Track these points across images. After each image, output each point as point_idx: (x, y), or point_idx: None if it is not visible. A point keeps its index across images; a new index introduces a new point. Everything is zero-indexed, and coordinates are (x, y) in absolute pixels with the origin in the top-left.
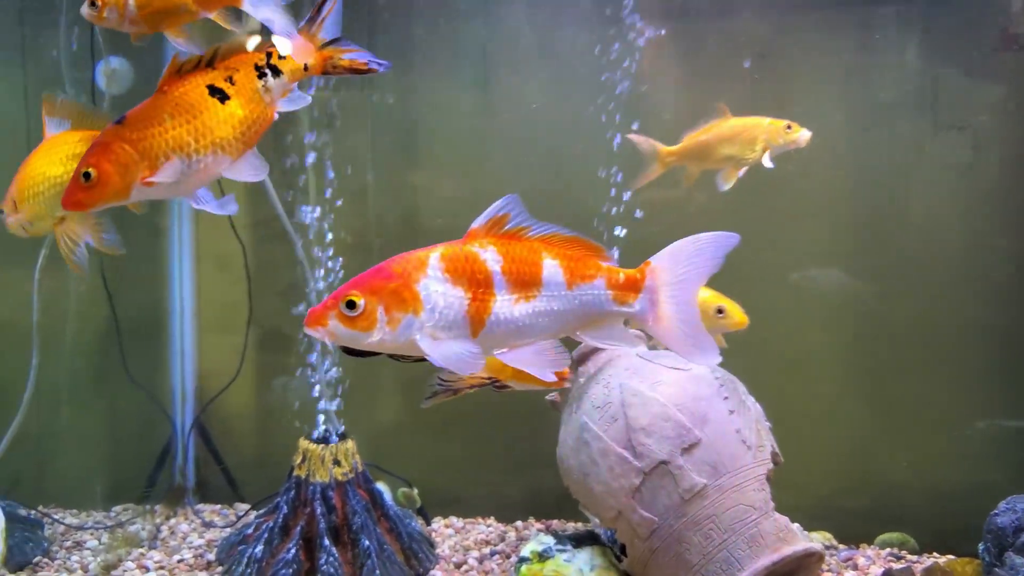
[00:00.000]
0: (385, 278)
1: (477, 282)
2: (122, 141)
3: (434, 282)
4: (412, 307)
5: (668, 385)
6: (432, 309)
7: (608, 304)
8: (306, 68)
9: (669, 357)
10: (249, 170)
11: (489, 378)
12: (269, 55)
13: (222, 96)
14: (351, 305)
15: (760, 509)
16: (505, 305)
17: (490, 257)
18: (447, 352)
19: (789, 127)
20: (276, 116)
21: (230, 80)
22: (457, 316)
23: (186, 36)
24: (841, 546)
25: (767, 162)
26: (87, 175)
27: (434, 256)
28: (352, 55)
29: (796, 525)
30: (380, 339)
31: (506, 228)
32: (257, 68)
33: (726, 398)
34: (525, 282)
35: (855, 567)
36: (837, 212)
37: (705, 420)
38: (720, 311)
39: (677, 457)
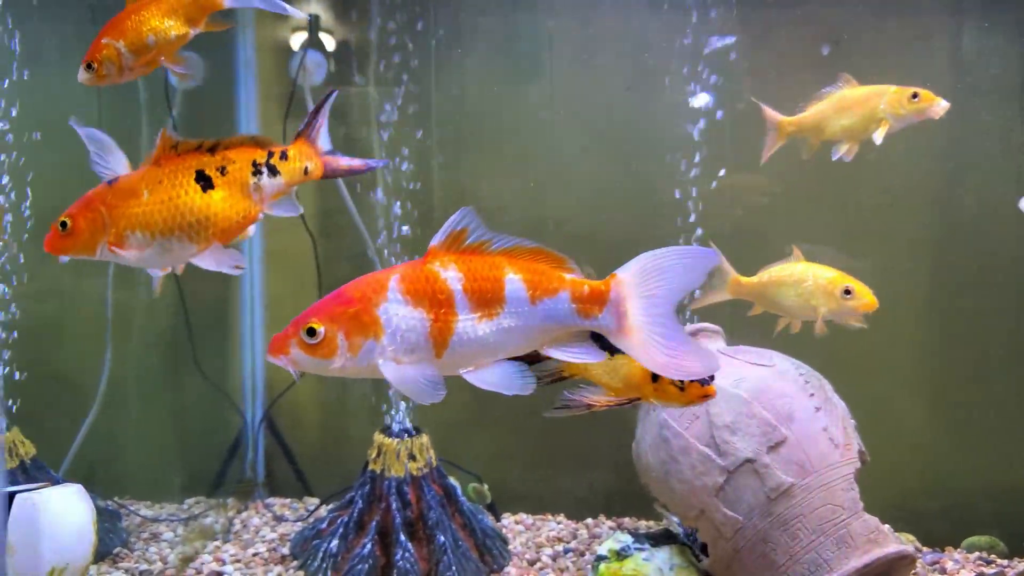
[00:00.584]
0: (344, 303)
1: (439, 302)
2: (101, 203)
3: (394, 305)
4: (373, 332)
5: (751, 382)
6: (393, 333)
7: (573, 318)
8: (306, 172)
9: (751, 353)
10: (215, 261)
11: (628, 400)
12: (271, 154)
13: (207, 184)
14: (311, 333)
15: (849, 509)
16: (468, 324)
17: (451, 276)
18: (407, 379)
19: (915, 96)
20: (261, 216)
21: (221, 170)
22: (419, 339)
23: (183, 61)
24: (925, 549)
25: (878, 138)
26: (64, 224)
27: (393, 278)
28: (349, 161)
29: (886, 526)
30: (342, 365)
31: (467, 243)
32: (254, 165)
33: (812, 395)
34: (488, 300)
35: (943, 571)
36: (919, 204)
37: (791, 418)
38: (847, 292)
39: (763, 455)
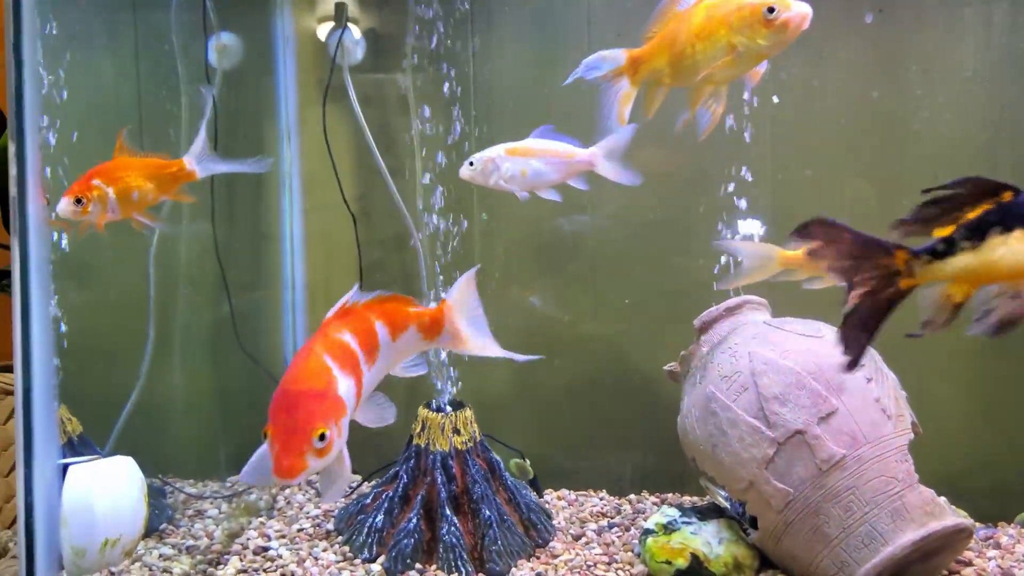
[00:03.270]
0: (321, 398)
1: (354, 366)
2: None
3: (343, 382)
4: (344, 413)
5: (800, 353)
6: (351, 407)
7: (421, 344)
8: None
9: (798, 323)
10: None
11: None
12: None
13: None
14: (323, 438)
15: (904, 481)
16: (367, 376)
17: (350, 340)
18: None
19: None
20: None
21: None
22: (353, 402)
23: (153, 217)
24: (979, 524)
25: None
26: None
27: (329, 359)
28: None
29: (943, 499)
30: (337, 451)
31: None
32: None
33: (863, 365)
34: (372, 350)
35: (998, 546)
36: (963, 174)
37: (842, 388)
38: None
39: (813, 426)
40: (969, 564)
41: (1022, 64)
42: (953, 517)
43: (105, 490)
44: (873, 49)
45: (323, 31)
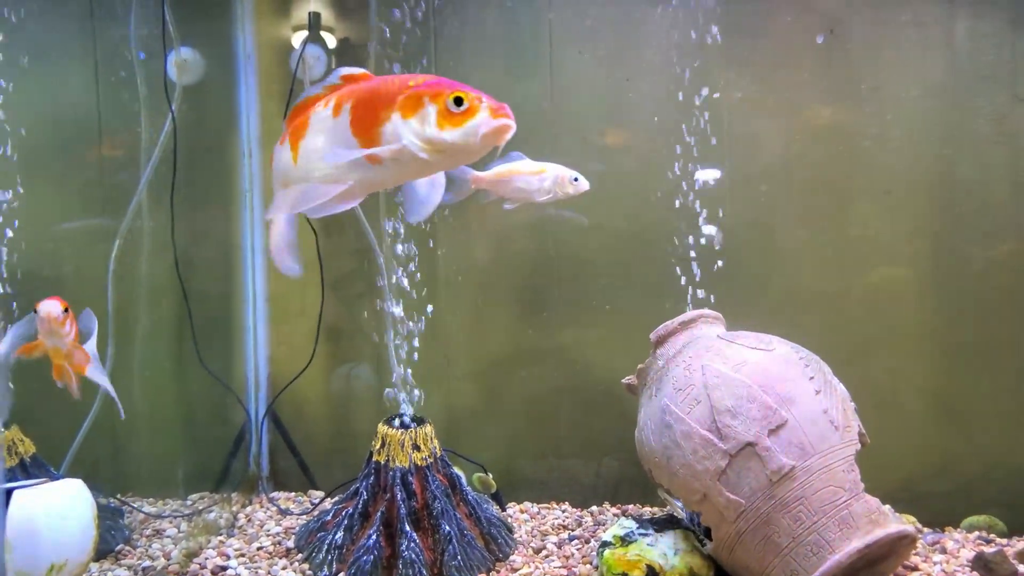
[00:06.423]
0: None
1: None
2: None
3: None
4: None
5: (751, 366)
6: None
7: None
8: None
9: (751, 337)
10: None
11: None
12: None
13: None
14: (459, 102)
15: (850, 491)
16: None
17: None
18: None
19: (576, 179)
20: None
21: None
22: None
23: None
24: (926, 529)
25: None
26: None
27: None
28: None
29: (888, 507)
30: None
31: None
32: None
33: (812, 378)
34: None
35: (943, 551)
36: (914, 189)
37: (791, 401)
38: (576, 179)
39: (764, 438)
40: (916, 569)
41: (968, 83)
42: (896, 524)
43: (50, 514)
44: (825, 68)
45: (297, 39)
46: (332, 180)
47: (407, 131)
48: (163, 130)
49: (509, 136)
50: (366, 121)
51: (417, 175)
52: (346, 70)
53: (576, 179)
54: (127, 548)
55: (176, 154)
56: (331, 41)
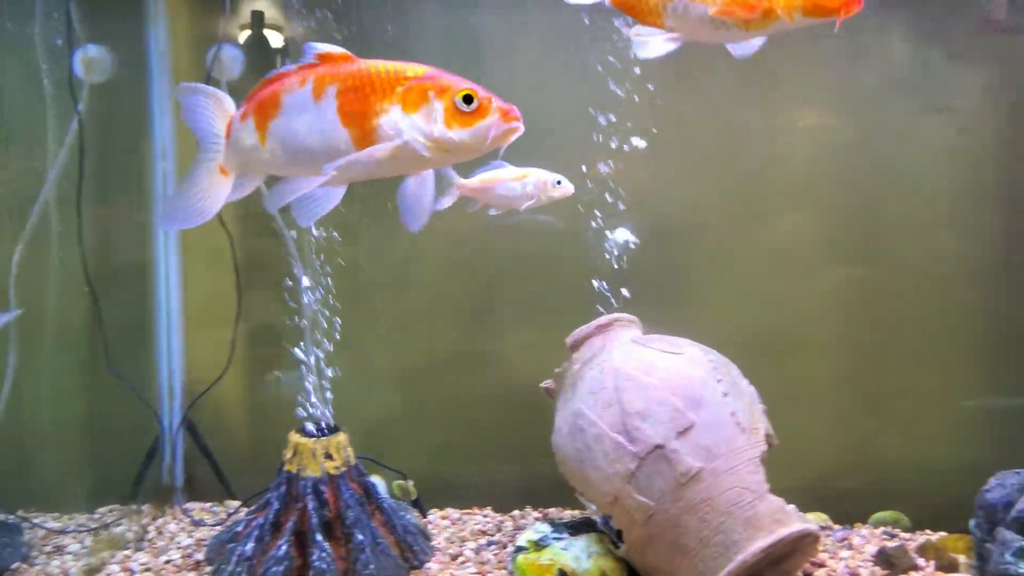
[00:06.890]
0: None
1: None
2: None
3: None
4: None
5: (662, 369)
6: None
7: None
8: None
9: (664, 340)
10: None
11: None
12: None
13: None
14: (468, 100)
15: (755, 491)
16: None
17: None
18: None
19: (559, 182)
20: None
21: None
22: None
23: None
24: (836, 526)
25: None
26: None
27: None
28: None
29: (792, 507)
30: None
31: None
32: None
33: (720, 380)
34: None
35: (850, 547)
36: (825, 197)
37: (699, 403)
38: (559, 182)
39: (672, 441)
40: (822, 566)
41: (878, 93)
42: (799, 523)
43: None
44: (743, 78)
45: (243, 37)
46: (317, 171)
47: (410, 127)
48: (70, 130)
49: (515, 139)
50: (358, 110)
51: (409, 170)
52: (323, 47)
53: (559, 182)
54: (24, 566)
55: (83, 153)
56: (279, 39)
